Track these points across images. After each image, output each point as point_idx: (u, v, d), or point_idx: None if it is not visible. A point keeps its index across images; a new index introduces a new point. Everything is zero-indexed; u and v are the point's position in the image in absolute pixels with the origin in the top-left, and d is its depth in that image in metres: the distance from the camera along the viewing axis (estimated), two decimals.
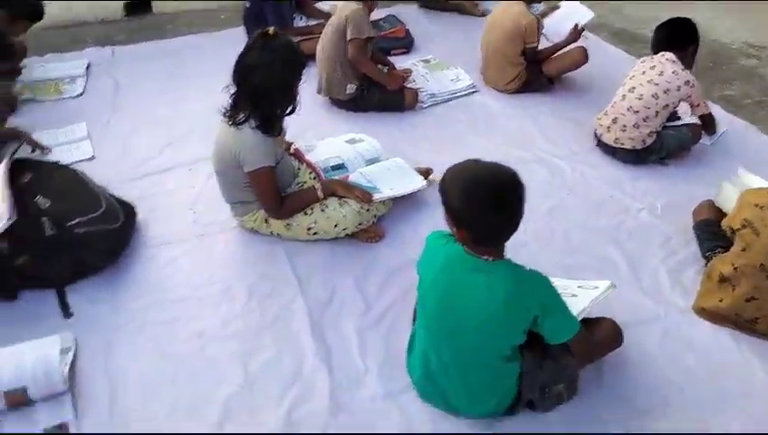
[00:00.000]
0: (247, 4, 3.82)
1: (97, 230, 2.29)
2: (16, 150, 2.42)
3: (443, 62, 3.81)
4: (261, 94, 2.23)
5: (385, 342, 2.05)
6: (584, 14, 3.54)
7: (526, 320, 1.64)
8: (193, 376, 1.94)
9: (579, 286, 1.97)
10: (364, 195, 2.43)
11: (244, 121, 2.25)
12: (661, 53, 2.86)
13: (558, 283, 1.74)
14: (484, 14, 4.31)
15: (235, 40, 3.89)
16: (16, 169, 2.32)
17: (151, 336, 2.08)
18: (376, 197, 2.46)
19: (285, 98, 2.28)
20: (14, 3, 3.23)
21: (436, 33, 4.27)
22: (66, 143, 3.07)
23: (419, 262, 1.82)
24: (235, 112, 2.28)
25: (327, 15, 4.04)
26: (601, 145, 3.02)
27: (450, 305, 1.66)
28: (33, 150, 2.92)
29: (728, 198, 2.33)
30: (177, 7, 4.69)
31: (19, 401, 1.78)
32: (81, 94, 3.56)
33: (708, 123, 2.96)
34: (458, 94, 3.53)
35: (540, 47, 3.46)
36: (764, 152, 3.05)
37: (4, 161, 2.31)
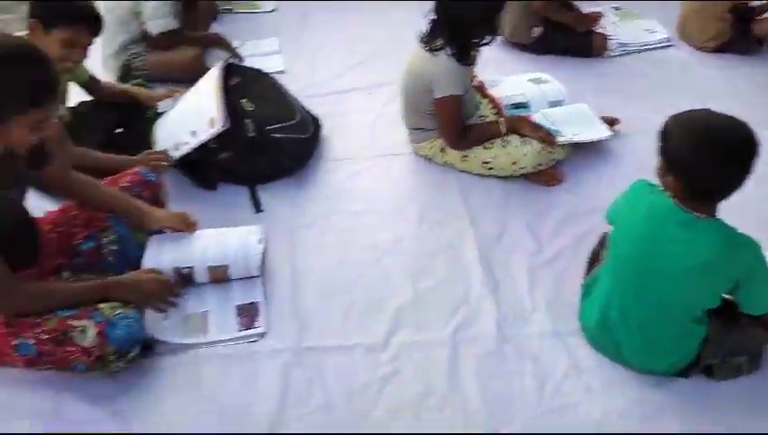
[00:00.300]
0: None
1: (290, 138, 2.45)
2: (229, 57, 2.61)
3: (635, 11, 3.59)
4: (460, 23, 2.24)
5: (555, 284, 2.04)
6: None
7: (727, 284, 1.57)
8: (368, 284, 2.06)
9: None
10: (548, 136, 2.40)
11: (440, 48, 2.28)
12: None
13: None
14: None
15: None
16: (226, 71, 2.52)
17: (332, 241, 2.22)
18: (559, 139, 2.42)
19: (484, 28, 2.27)
20: None
21: None
22: (259, 55, 3.25)
23: (614, 208, 1.78)
24: (432, 38, 2.30)
25: None
26: None
27: (648, 256, 1.62)
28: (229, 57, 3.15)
29: None
30: None
31: (220, 277, 1.98)
32: (274, 10, 3.75)
33: None
34: (650, 47, 3.32)
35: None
36: None
37: (218, 64, 2.51)
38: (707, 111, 1.55)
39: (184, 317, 1.91)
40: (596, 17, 3.33)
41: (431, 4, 2.30)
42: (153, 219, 1.97)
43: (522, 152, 2.37)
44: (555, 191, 2.42)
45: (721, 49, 3.23)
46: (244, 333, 1.88)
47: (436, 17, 2.30)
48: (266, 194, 2.41)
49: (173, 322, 1.89)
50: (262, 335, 1.88)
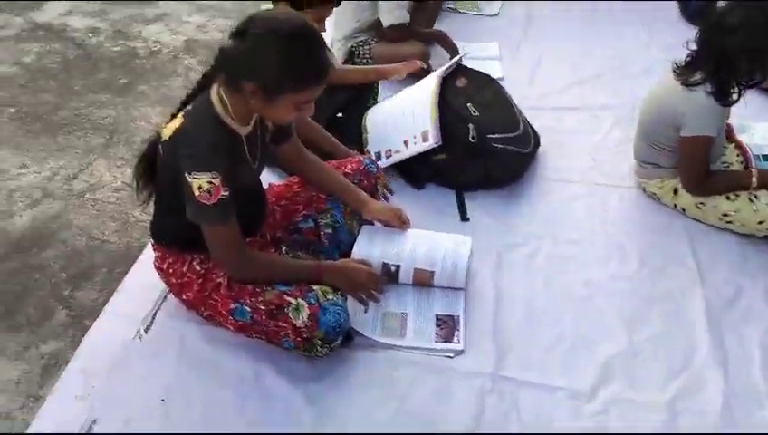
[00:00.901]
0: None
1: (510, 149, 2.34)
2: (461, 58, 2.56)
3: None
4: (728, 58, 1.99)
5: None
6: None
7: None
8: (577, 321, 1.90)
9: None
10: None
11: (699, 84, 2.05)
12: None
13: None
14: None
15: None
16: (454, 71, 2.47)
17: (540, 266, 2.08)
18: None
19: (756, 66, 2.01)
20: None
21: None
22: (478, 59, 3.18)
23: None
24: (690, 71, 2.08)
25: None
26: None
27: None
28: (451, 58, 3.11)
29: None
30: None
31: (424, 281, 1.93)
32: (497, 15, 3.66)
33: None
34: None
35: None
36: None
37: (440, 69, 2.46)
38: None
39: (383, 314, 1.88)
40: None
41: (682, 31, 2.09)
42: (370, 210, 1.95)
43: None
44: None
45: None
46: (441, 345, 1.81)
47: (698, 48, 2.07)
48: (473, 203, 2.33)
49: (371, 316, 1.86)
50: (459, 352, 1.80)
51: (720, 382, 1.73)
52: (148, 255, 2.02)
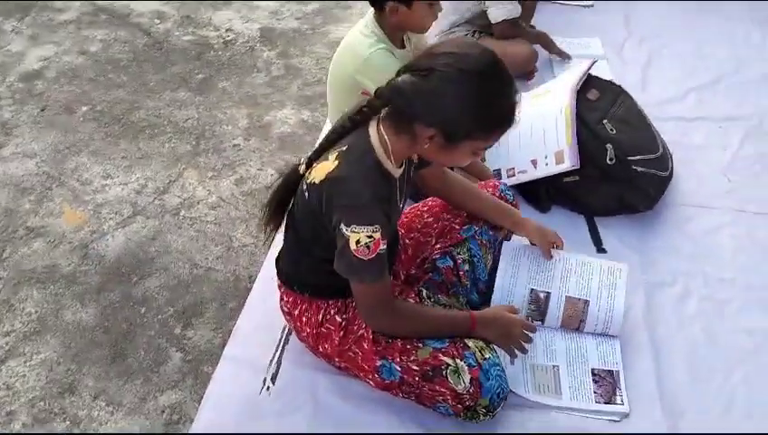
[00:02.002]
0: None
1: (650, 172, 2.11)
2: (593, 64, 2.31)
3: None
4: None
5: None
6: None
7: None
8: (747, 380, 1.69)
9: None
10: None
11: None
12: None
13: None
14: None
15: None
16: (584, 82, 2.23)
17: (695, 309, 1.87)
18: None
19: None
20: None
21: None
22: (580, 57, 2.93)
23: None
24: None
25: None
26: None
27: None
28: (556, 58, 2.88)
29: None
30: None
31: (576, 315, 1.73)
32: (592, 6, 3.38)
33: None
34: None
35: None
36: None
37: (573, 77, 2.22)
38: None
39: (532, 366, 1.69)
40: None
41: None
42: (529, 230, 1.78)
43: None
44: None
45: None
46: (604, 408, 1.61)
47: None
48: (607, 231, 2.11)
49: (520, 369, 1.67)
50: (624, 416, 1.60)
51: None
52: (260, 289, 1.85)
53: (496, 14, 2.64)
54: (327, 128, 2.03)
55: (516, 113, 1.31)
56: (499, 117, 1.30)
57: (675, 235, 2.12)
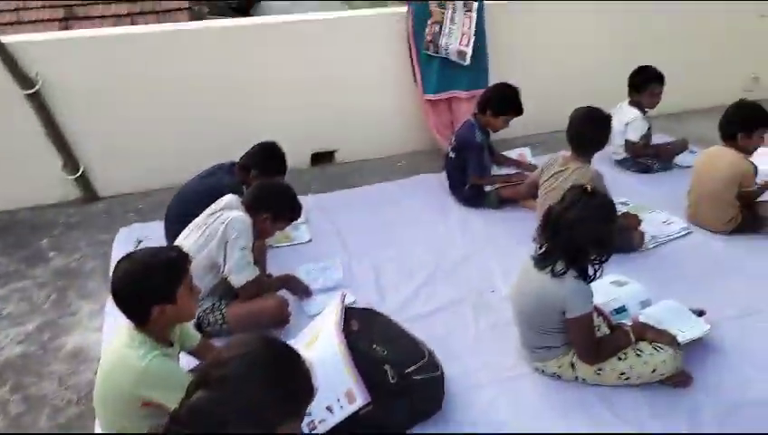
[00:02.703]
0: (451, 154, 4.08)
1: (427, 378, 2.35)
2: (344, 297, 2.54)
3: (645, 204, 3.94)
4: (579, 249, 2.36)
5: None
6: None
7: None
8: None
9: None
10: (674, 338, 2.48)
11: (564, 272, 2.36)
12: None
13: None
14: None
15: (427, 187, 4.24)
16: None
17: None
18: (681, 339, 2.50)
19: (603, 247, 2.40)
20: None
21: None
22: (324, 287, 3.21)
23: None
24: (551, 262, 2.39)
25: (516, 163, 4.32)
26: None
27: None
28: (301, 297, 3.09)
29: None
30: (354, 157, 5.01)
31: None
32: (310, 241, 3.77)
33: None
34: (674, 236, 3.63)
35: None
36: None
37: (331, 316, 2.42)
38: None
39: None
40: (637, 218, 3.61)
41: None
42: None
43: (660, 359, 2.41)
44: (691, 392, 2.46)
45: (736, 230, 3.59)
46: None
47: (551, 241, 2.41)
48: None
49: None
50: None
51: None
52: None
53: (239, 280, 2.78)
54: None
55: (312, 379, 1.42)
56: (303, 391, 1.40)
57: (469, 424, 2.35)
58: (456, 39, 4.51)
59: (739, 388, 2.46)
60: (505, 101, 3.93)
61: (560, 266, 2.37)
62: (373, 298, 3.12)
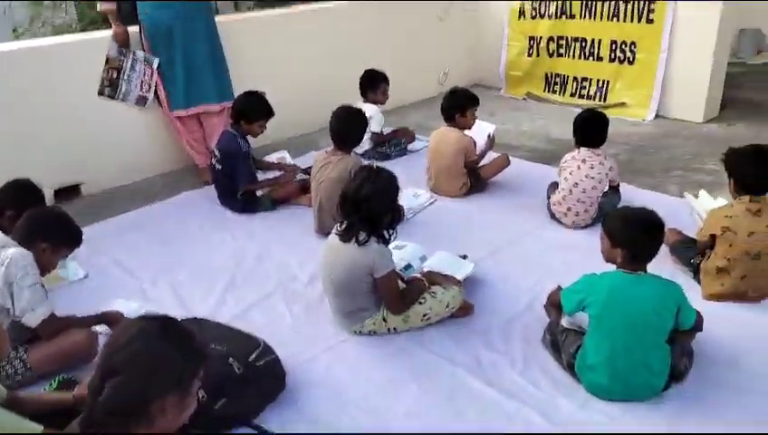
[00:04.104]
0: (218, 166, 4.16)
1: (269, 361, 2.49)
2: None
3: None
4: (376, 217, 2.74)
5: (543, 370, 2.63)
6: (488, 127, 4.62)
7: (674, 309, 2.38)
8: None
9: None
10: (454, 279, 3.01)
11: (368, 240, 2.71)
12: (585, 148, 3.86)
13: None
14: None
15: (196, 202, 4.30)
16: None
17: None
18: (459, 277, 3.05)
19: (393, 212, 2.81)
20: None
21: None
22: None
23: (580, 297, 2.45)
24: (355, 234, 2.73)
25: (278, 165, 4.59)
26: (557, 220, 3.93)
27: (626, 313, 2.34)
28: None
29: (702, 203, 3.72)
30: (102, 188, 4.74)
31: None
32: (87, 276, 3.53)
33: (616, 187, 4.06)
34: (425, 205, 4.27)
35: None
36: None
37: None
38: (629, 208, 2.43)
39: None
40: None
41: None
42: None
43: (450, 295, 2.91)
44: (475, 318, 3.02)
45: (469, 193, 4.37)
46: None
47: (351, 216, 2.74)
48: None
49: None
50: None
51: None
52: None
53: (34, 320, 2.55)
54: None
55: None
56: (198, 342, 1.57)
57: (312, 390, 2.57)
58: (135, 86, 4.59)
59: (509, 308, 3.07)
60: (256, 107, 4.17)
61: (362, 236, 2.71)
62: (180, 313, 3.09)
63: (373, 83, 5.06)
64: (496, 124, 4.83)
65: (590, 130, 3.84)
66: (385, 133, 5.17)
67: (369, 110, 4.87)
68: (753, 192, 2.97)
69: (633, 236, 2.36)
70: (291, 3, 6.42)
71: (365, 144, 4.99)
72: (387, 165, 4.88)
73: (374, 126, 4.96)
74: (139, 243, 3.86)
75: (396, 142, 5.19)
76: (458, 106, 4.32)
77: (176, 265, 3.60)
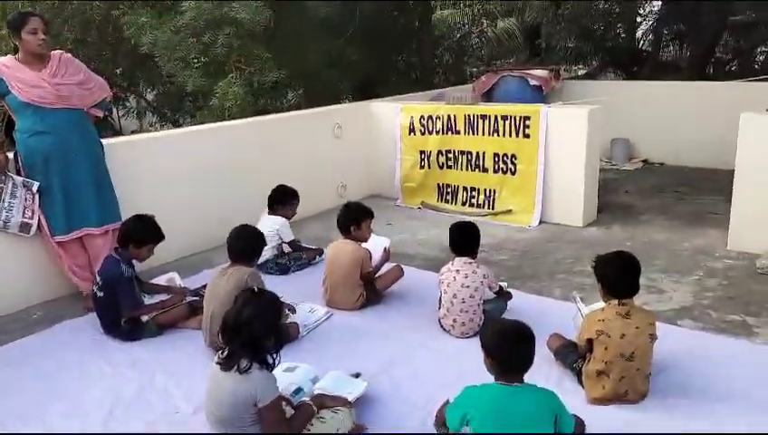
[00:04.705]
0: (99, 294, 3.98)
1: None
2: None
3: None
4: (258, 341, 2.69)
5: None
6: (383, 241, 4.74)
7: (552, 417, 2.43)
8: None
9: None
10: (345, 400, 2.94)
11: (250, 367, 2.64)
12: (458, 259, 3.96)
13: None
14: None
15: (77, 331, 4.09)
16: None
17: None
18: (351, 398, 2.99)
19: (277, 339, 2.76)
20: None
21: None
22: None
23: (462, 411, 2.46)
24: (236, 362, 2.65)
25: (167, 288, 4.46)
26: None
27: (509, 425, 2.36)
28: None
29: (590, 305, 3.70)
30: None
31: None
32: None
33: (503, 293, 4.21)
34: (321, 321, 4.23)
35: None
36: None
37: None
38: (505, 321, 2.51)
39: None
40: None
41: None
42: None
43: (339, 419, 2.85)
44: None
45: (364, 305, 4.38)
46: None
47: (232, 343, 2.67)
48: None
49: None
50: None
51: None
52: None
53: None
54: None
55: None
56: None
57: None
58: (18, 212, 4.38)
59: (401, 427, 3.03)
60: (145, 231, 4.09)
61: (244, 363, 2.63)
62: None
63: (284, 198, 5.24)
64: (394, 233, 5.01)
65: (462, 240, 4.00)
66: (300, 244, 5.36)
67: (277, 222, 4.94)
68: (620, 296, 3.16)
69: (503, 348, 2.44)
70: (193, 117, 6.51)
71: (266, 253, 4.97)
72: (284, 279, 5.08)
73: (285, 236, 5.16)
74: (13, 380, 3.57)
75: (296, 256, 5.21)
76: (353, 219, 4.42)
77: (54, 401, 3.34)
